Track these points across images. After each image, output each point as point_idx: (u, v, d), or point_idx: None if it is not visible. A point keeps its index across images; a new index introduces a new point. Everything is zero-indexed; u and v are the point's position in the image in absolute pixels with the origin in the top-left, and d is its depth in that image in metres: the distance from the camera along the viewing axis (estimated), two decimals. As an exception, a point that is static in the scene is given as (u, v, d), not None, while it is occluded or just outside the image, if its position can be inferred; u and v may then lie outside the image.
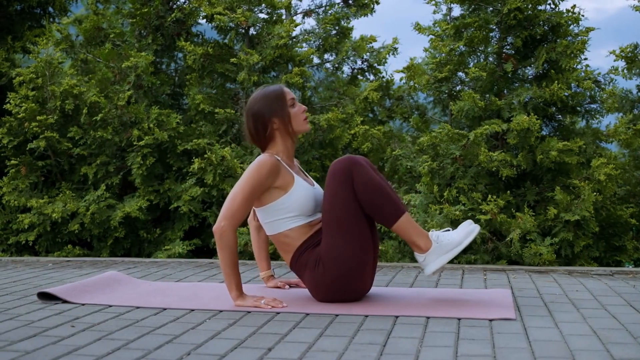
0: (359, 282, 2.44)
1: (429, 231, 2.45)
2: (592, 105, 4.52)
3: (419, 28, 4.76)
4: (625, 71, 4.74)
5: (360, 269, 2.41)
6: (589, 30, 4.36)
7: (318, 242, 2.46)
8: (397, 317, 2.20)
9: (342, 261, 2.37)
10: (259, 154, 2.53)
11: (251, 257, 4.21)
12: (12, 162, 4.76)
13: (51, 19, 5.99)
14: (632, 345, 1.83)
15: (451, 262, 3.45)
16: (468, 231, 2.42)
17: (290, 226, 2.48)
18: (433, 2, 4.72)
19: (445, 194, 4.12)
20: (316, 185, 2.63)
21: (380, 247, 3.91)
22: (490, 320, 2.14)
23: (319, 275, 2.40)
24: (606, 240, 4.29)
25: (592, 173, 4.10)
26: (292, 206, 2.46)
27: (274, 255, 4.02)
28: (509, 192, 4.13)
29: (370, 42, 5.38)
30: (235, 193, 2.40)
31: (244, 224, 2.83)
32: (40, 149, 4.78)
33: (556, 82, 4.20)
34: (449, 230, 2.46)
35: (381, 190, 2.37)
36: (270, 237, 2.57)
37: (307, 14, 5.51)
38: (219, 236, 2.38)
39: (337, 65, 5.45)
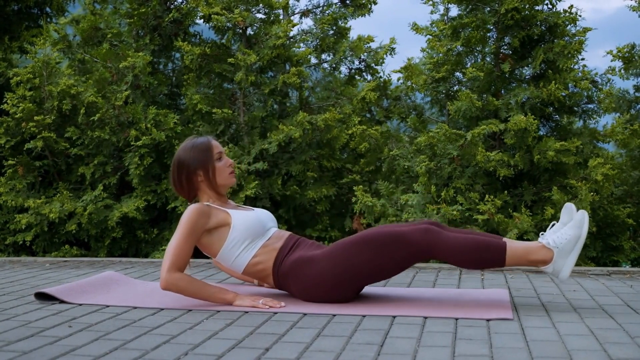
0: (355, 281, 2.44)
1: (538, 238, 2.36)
2: (590, 106, 4.52)
3: (416, 28, 4.76)
4: (622, 71, 4.75)
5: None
6: (586, 30, 4.36)
7: (289, 250, 2.48)
8: (394, 317, 2.20)
9: (339, 263, 2.39)
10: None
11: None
12: (10, 162, 4.76)
13: (48, 19, 5.98)
14: (629, 345, 1.83)
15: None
16: (579, 220, 2.32)
17: (253, 253, 2.48)
18: (430, 2, 4.72)
19: (442, 194, 4.12)
20: (255, 209, 2.64)
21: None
22: (488, 320, 2.14)
23: (315, 274, 2.40)
24: (603, 240, 4.30)
25: (589, 173, 4.10)
26: (242, 235, 2.47)
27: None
28: (506, 192, 4.13)
29: (368, 42, 5.37)
30: (172, 245, 2.40)
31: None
32: (37, 149, 4.78)
33: (553, 82, 4.20)
34: (554, 224, 2.39)
35: (470, 244, 2.31)
36: (245, 275, 2.58)
37: (304, 14, 5.50)
38: (172, 286, 2.36)
39: (334, 66, 5.45)
